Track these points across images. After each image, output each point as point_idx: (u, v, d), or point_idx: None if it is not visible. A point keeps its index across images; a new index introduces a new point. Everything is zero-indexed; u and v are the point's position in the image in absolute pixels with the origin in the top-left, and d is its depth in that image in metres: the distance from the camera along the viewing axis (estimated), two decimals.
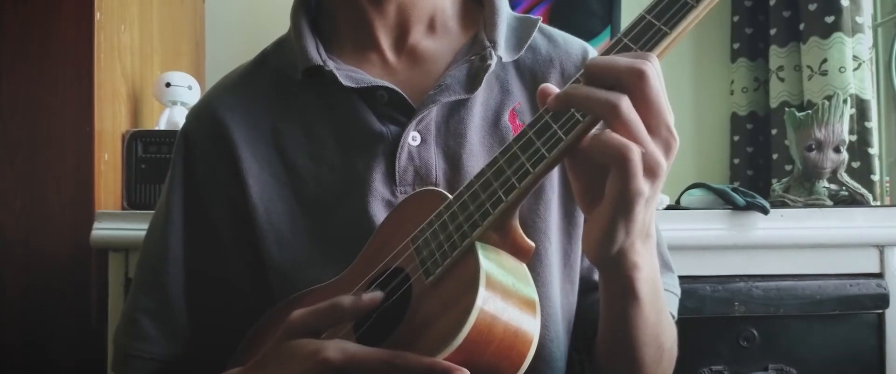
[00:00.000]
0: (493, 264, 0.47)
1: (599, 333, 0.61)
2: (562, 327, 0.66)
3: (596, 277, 0.71)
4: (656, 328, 0.57)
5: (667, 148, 0.45)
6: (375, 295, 0.51)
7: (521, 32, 0.70)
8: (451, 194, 0.54)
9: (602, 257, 0.48)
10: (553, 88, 0.49)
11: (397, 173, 0.65)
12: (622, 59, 0.44)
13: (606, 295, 0.55)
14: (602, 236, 0.47)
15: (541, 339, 0.63)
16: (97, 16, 1.11)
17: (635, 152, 0.43)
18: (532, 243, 0.52)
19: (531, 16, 0.72)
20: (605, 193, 0.45)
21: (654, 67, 0.44)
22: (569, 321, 0.68)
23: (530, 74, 0.70)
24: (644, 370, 0.59)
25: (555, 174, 0.67)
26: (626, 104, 0.43)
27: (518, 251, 0.51)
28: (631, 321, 0.54)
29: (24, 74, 1.10)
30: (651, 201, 0.46)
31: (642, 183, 0.44)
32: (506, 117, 0.68)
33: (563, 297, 0.67)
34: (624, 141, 0.43)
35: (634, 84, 0.44)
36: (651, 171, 0.44)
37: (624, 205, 0.44)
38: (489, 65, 0.66)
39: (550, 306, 0.65)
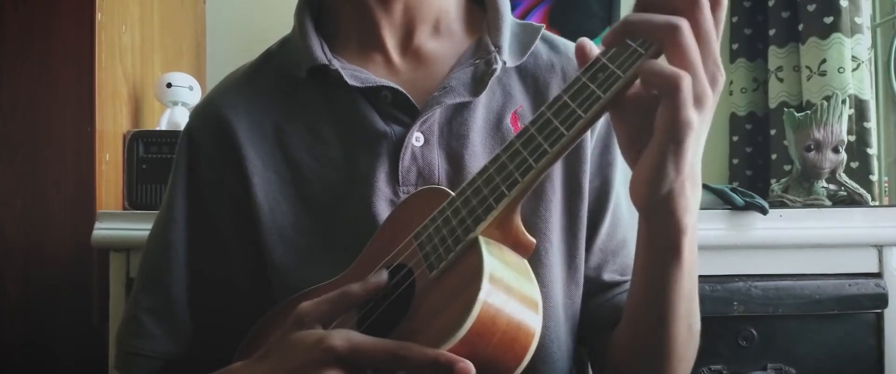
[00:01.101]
0: (495, 258, 0.48)
1: (628, 315, 0.60)
2: (564, 328, 0.66)
3: (605, 276, 0.70)
4: (690, 302, 0.56)
5: (713, 81, 0.45)
6: (382, 276, 0.52)
7: (524, 38, 0.70)
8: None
9: (651, 199, 0.48)
10: (589, 42, 0.49)
11: (401, 173, 0.65)
12: (657, 18, 0.45)
13: (646, 253, 0.54)
14: (652, 175, 0.46)
15: (541, 339, 0.63)
16: (98, 16, 1.11)
17: (687, 80, 0.43)
18: (533, 240, 0.53)
19: (534, 22, 0.73)
20: (655, 127, 0.45)
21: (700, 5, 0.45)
22: (573, 322, 0.68)
23: (532, 79, 0.70)
24: (673, 351, 0.57)
25: (557, 176, 0.67)
26: (686, 29, 0.44)
27: (520, 247, 0.52)
28: (668, 287, 0.53)
29: (24, 74, 1.10)
30: (700, 137, 0.46)
31: (692, 113, 0.44)
32: (508, 120, 0.68)
33: (566, 298, 0.67)
34: (676, 70, 0.43)
35: (691, 11, 0.44)
36: (699, 100, 0.44)
37: (674, 137, 0.44)
38: (494, 69, 0.66)
39: (552, 307, 0.65)
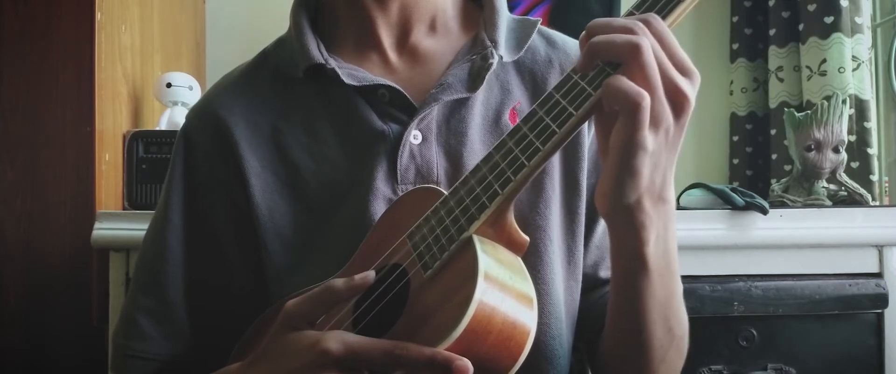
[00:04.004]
0: (490, 257, 0.48)
1: (608, 316, 0.61)
2: (565, 324, 0.66)
3: (601, 273, 0.71)
4: (665, 308, 0.56)
5: (675, 106, 0.46)
6: (368, 275, 0.52)
7: (521, 34, 0.70)
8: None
9: (610, 211, 0.49)
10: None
11: (399, 172, 0.65)
12: (619, 37, 0.45)
13: (615, 262, 0.55)
14: (610, 188, 0.47)
15: (542, 336, 0.63)
16: (98, 16, 1.11)
17: (647, 101, 0.43)
18: (527, 238, 0.53)
19: (530, 18, 0.73)
20: (610, 144, 0.46)
21: (657, 29, 0.46)
22: (572, 318, 0.68)
23: (530, 74, 0.70)
24: (652, 352, 0.57)
25: (556, 173, 0.67)
26: (646, 46, 0.44)
27: (513, 246, 0.52)
28: (639, 293, 0.54)
29: (24, 74, 1.10)
30: (659, 159, 0.47)
31: (647, 136, 0.44)
32: (506, 116, 0.68)
33: (566, 294, 0.67)
34: (638, 89, 0.44)
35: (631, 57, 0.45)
36: (655, 122, 0.45)
37: (627, 157, 0.45)
38: (491, 64, 0.66)
39: (552, 304, 0.65)
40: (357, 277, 0.52)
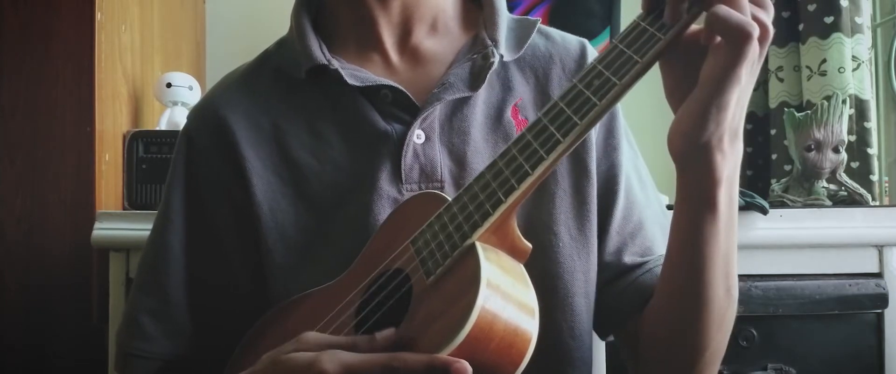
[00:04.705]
0: (492, 264, 0.48)
1: (663, 280, 0.60)
2: (585, 318, 0.66)
3: (626, 259, 0.69)
4: (727, 264, 0.55)
5: (764, 32, 0.46)
6: (388, 333, 0.49)
7: (520, 33, 0.70)
8: (457, 192, 0.54)
9: (687, 150, 0.49)
10: None
11: (403, 172, 0.65)
12: None
13: (682, 207, 0.54)
14: (690, 126, 0.47)
15: (562, 337, 0.63)
16: (98, 16, 1.11)
17: (756, 31, 0.43)
18: (529, 245, 0.53)
19: (530, 17, 0.73)
20: (700, 77, 0.46)
21: None
22: (590, 309, 0.67)
23: (531, 70, 0.70)
24: (712, 315, 0.55)
25: (562, 165, 0.67)
26: None
27: (516, 252, 0.52)
28: (704, 243, 0.53)
29: (24, 74, 1.10)
30: (747, 91, 0.47)
31: (745, 69, 0.44)
32: (508, 113, 0.68)
33: (583, 285, 0.66)
34: (747, 19, 0.44)
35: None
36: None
37: (720, 90, 0.45)
38: (492, 63, 0.66)
39: (569, 303, 0.64)
40: (379, 336, 0.48)
